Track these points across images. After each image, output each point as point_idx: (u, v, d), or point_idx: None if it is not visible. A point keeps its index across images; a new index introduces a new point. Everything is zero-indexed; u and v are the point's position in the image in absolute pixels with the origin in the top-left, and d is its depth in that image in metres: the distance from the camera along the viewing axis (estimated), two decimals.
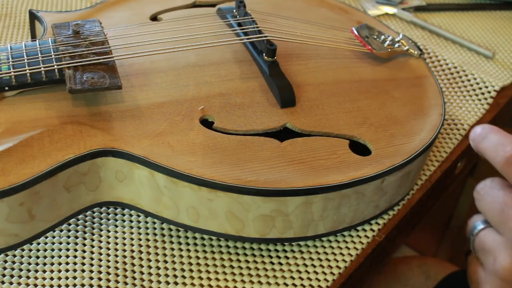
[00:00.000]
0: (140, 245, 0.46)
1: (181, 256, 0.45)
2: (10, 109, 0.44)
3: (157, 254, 0.45)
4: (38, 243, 0.45)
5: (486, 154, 0.39)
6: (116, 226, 0.47)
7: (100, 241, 0.46)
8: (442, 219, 1.10)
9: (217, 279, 0.44)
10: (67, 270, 0.43)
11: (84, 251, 0.45)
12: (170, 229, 0.47)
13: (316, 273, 0.45)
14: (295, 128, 0.47)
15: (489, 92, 0.64)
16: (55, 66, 0.45)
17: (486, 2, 0.82)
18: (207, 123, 0.46)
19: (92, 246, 0.45)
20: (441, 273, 0.72)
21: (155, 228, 0.47)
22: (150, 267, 0.44)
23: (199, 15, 0.58)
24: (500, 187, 0.38)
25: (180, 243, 0.46)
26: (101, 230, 0.47)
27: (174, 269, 0.44)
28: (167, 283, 0.43)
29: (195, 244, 0.46)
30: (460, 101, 0.63)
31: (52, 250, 0.45)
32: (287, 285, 0.44)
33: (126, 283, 0.43)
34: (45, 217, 0.42)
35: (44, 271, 0.43)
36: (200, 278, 0.44)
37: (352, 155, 0.45)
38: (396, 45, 0.57)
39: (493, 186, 0.39)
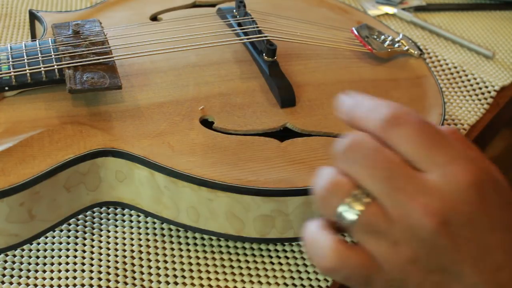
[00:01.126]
0: (140, 245, 0.46)
1: (181, 256, 0.45)
2: (10, 109, 0.44)
3: (157, 254, 0.45)
4: (38, 243, 0.45)
5: (359, 121, 0.31)
6: (116, 226, 0.47)
7: (100, 241, 0.46)
8: None
9: (217, 279, 0.44)
10: (67, 270, 0.43)
11: (84, 251, 0.45)
12: (170, 229, 0.47)
13: (316, 273, 0.45)
14: (295, 128, 0.47)
15: (489, 92, 0.64)
16: (55, 66, 0.45)
17: (486, 2, 0.82)
18: (207, 123, 0.46)
19: (92, 246, 0.45)
20: None
21: (155, 228, 0.47)
22: (150, 267, 0.44)
23: (199, 15, 0.58)
24: (377, 145, 0.29)
25: (180, 243, 0.46)
26: (101, 230, 0.47)
27: (174, 269, 0.44)
28: (167, 283, 0.43)
29: (195, 244, 0.46)
30: (460, 101, 0.63)
31: (52, 250, 0.45)
32: (287, 285, 0.44)
33: (126, 283, 0.43)
34: (45, 217, 0.42)
35: (44, 271, 0.43)
36: (200, 278, 0.44)
37: None
38: (396, 45, 0.57)
39: (370, 143, 0.29)
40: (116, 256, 0.45)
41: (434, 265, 0.28)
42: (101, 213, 0.48)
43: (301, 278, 0.44)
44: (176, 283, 0.43)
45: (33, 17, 0.56)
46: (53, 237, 0.46)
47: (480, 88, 0.65)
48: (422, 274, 0.28)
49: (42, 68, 0.45)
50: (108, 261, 0.44)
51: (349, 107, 0.32)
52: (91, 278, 0.43)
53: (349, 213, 0.29)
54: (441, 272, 0.28)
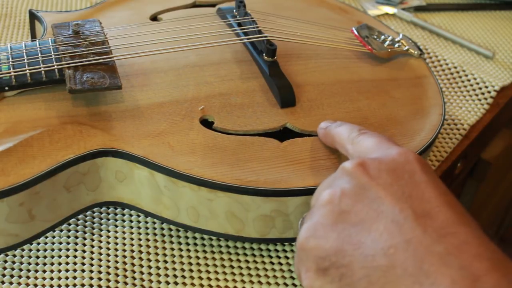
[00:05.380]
0: (140, 245, 0.46)
1: (181, 256, 0.45)
2: (10, 109, 0.44)
3: (157, 254, 0.45)
4: (38, 243, 0.45)
5: (340, 136, 0.42)
6: (116, 226, 0.47)
7: (100, 241, 0.46)
8: None
9: (217, 279, 0.44)
10: (67, 270, 0.43)
11: (84, 251, 0.45)
12: (170, 229, 0.47)
13: None
14: (295, 128, 0.47)
15: (489, 92, 0.64)
16: (55, 66, 0.45)
17: (486, 2, 0.82)
18: (207, 123, 0.46)
19: (92, 246, 0.45)
20: None
21: (155, 228, 0.47)
22: (150, 267, 0.44)
23: (199, 15, 0.58)
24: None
25: (180, 243, 0.46)
26: (101, 230, 0.47)
27: (174, 269, 0.44)
28: (167, 283, 0.43)
29: (195, 244, 0.46)
30: (460, 101, 0.63)
31: (52, 250, 0.45)
32: (287, 285, 0.44)
33: (126, 283, 0.43)
34: (45, 217, 0.42)
35: (44, 271, 0.43)
36: (200, 278, 0.44)
37: None
38: (396, 45, 0.57)
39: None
40: (116, 256, 0.45)
41: (360, 197, 0.34)
42: (101, 213, 0.48)
43: None
44: (176, 283, 0.43)
45: (33, 17, 0.56)
46: (53, 237, 0.46)
47: (480, 88, 0.65)
48: (351, 202, 0.34)
49: (42, 68, 0.45)
50: (108, 261, 0.44)
51: (332, 126, 0.44)
52: (91, 278, 0.43)
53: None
54: (367, 202, 0.33)
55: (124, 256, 0.45)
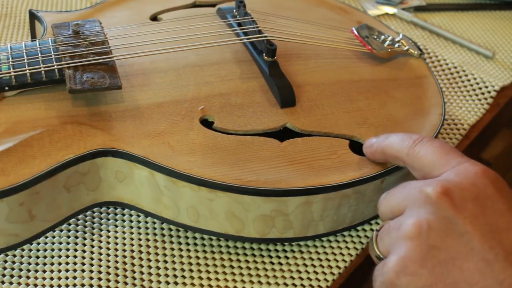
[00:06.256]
0: (140, 245, 0.46)
1: (181, 256, 0.45)
2: (10, 109, 0.44)
3: (157, 254, 0.45)
4: (38, 243, 0.45)
5: (391, 147, 0.41)
6: (116, 226, 0.47)
7: (100, 241, 0.46)
8: None
9: (217, 279, 0.44)
10: (67, 270, 0.43)
11: (84, 251, 0.45)
12: (170, 229, 0.47)
13: (316, 273, 0.45)
14: (295, 128, 0.47)
15: (489, 92, 0.64)
16: (55, 66, 0.45)
17: (486, 2, 0.82)
18: (207, 123, 0.46)
19: (92, 246, 0.45)
20: None
21: (155, 228, 0.47)
22: (150, 267, 0.44)
23: (199, 15, 0.58)
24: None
25: (180, 243, 0.46)
26: (101, 230, 0.47)
27: (174, 269, 0.44)
28: (167, 283, 0.43)
29: (195, 244, 0.46)
30: (460, 101, 0.63)
31: (52, 250, 0.45)
32: (287, 285, 0.44)
33: (126, 283, 0.43)
34: (45, 217, 0.42)
35: (44, 271, 0.43)
36: (200, 278, 0.44)
37: (352, 155, 0.45)
38: (396, 45, 0.57)
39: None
40: (116, 256, 0.45)
41: (447, 231, 0.33)
42: (101, 213, 0.48)
43: (301, 278, 0.44)
44: (176, 283, 0.43)
45: (33, 17, 0.56)
46: (53, 237, 0.46)
47: (480, 88, 0.65)
48: (439, 237, 0.33)
49: (42, 68, 0.45)
50: (108, 261, 0.44)
51: (381, 138, 0.43)
52: (91, 278, 0.43)
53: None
54: (455, 237, 0.33)
55: (124, 256, 0.45)
